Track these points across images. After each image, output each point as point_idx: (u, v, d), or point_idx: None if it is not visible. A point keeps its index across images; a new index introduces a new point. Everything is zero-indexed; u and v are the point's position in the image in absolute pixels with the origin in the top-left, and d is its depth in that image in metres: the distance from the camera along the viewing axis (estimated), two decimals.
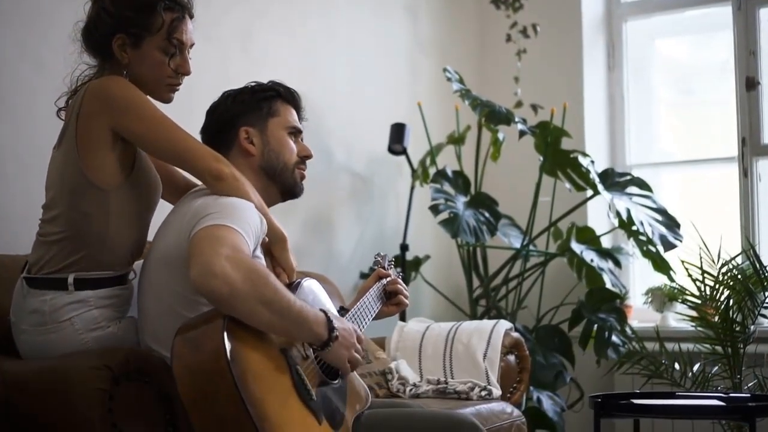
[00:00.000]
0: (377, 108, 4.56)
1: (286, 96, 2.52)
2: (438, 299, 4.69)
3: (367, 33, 4.57)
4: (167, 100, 2.46)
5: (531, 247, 4.42)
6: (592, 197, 4.31)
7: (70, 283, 2.30)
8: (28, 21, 3.10)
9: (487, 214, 4.21)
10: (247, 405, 1.91)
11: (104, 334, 2.32)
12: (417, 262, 4.51)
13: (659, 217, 4.15)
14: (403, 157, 4.42)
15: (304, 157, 2.52)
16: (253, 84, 2.53)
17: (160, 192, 2.50)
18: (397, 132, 4.30)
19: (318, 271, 3.85)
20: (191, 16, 2.46)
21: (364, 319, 2.50)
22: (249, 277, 2.00)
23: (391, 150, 4.34)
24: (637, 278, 4.85)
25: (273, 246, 2.40)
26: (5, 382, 2.29)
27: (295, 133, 2.52)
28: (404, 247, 4.28)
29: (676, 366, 3.91)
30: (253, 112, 2.47)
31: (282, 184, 2.48)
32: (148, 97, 2.40)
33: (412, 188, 4.42)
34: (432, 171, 4.41)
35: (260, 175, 2.44)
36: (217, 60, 3.72)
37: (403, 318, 4.10)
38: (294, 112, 2.53)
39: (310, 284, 2.37)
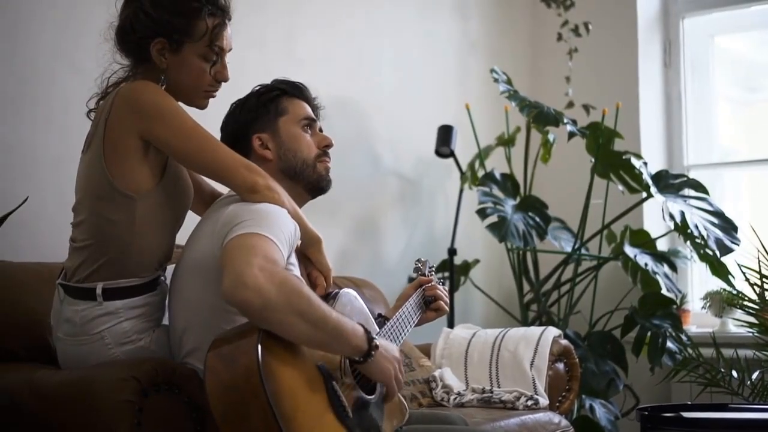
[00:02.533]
0: (425, 109, 4.49)
1: (292, 91, 2.46)
2: (488, 304, 4.61)
3: (414, 33, 4.50)
4: (203, 107, 2.41)
5: (583, 251, 4.31)
6: (645, 199, 4.18)
7: (99, 293, 2.25)
8: (63, 24, 3.09)
9: (536, 218, 4.11)
10: (279, 422, 1.86)
11: (134, 348, 2.27)
12: (466, 267, 4.42)
13: (715, 220, 4.01)
14: (452, 159, 4.33)
15: (324, 147, 2.44)
16: (257, 88, 2.47)
17: (192, 196, 2.45)
18: (444, 134, 4.22)
19: (364, 277, 3.80)
20: (229, 19, 2.39)
21: (404, 329, 2.44)
22: (282, 289, 1.94)
23: (438, 152, 4.26)
24: (696, 282, 4.73)
25: (308, 249, 2.35)
26: (34, 392, 2.26)
27: (310, 124, 2.45)
28: (452, 252, 4.19)
29: (734, 374, 3.78)
30: (261, 116, 2.41)
31: (306, 181, 2.41)
32: (182, 104, 2.35)
33: (461, 191, 4.33)
34: (481, 174, 4.32)
35: (282, 177, 2.37)
36: (260, 64, 3.67)
37: (451, 324, 4.02)
38: (304, 105, 2.46)
39: (347, 294, 2.30)
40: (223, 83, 2.39)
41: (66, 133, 3.04)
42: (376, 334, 2.28)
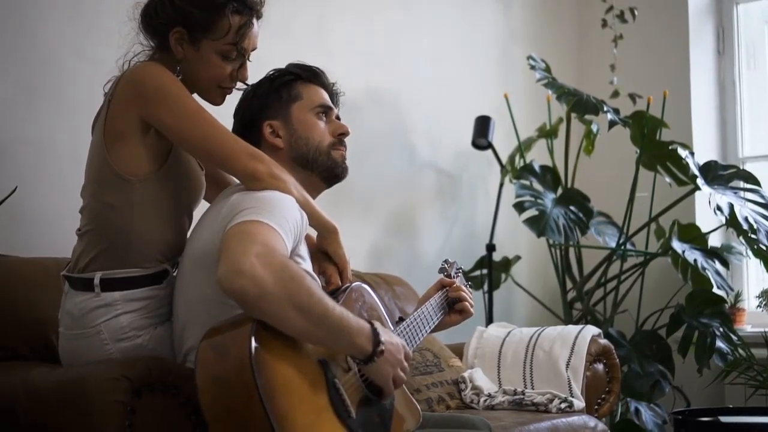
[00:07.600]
0: (465, 101, 4.35)
1: (307, 76, 2.34)
2: (531, 303, 4.44)
3: (453, 21, 4.37)
4: (217, 103, 2.32)
5: (629, 247, 4.12)
6: (692, 192, 3.98)
7: (96, 284, 2.17)
8: (86, 18, 3.00)
9: (578, 212, 3.94)
10: (272, 419, 1.74)
11: (131, 345, 2.17)
12: (506, 264, 4.26)
13: (767, 213, 3.79)
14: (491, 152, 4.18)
15: (340, 135, 2.32)
16: (272, 72, 2.36)
17: (201, 189, 2.35)
18: (481, 126, 4.07)
19: (400, 274, 3.69)
20: (258, 17, 2.30)
21: (420, 331, 2.31)
22: (280, 278, 1.82)
23: (475, 144, 4.11)
24: (753, 279, 4.53)
25: (324, 240, 2.24)
26: (29, 392, 2.18)
27: (325, 111, 2.33)
28: (491, 248, 4.03)
29: None
30: (273, 102, 2.30)
31: (320, 168, 2.29)
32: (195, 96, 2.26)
33: (501, 185, 4.17)
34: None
35: (295, 166, 2.26)
36: (289, 54, 3.51)
37: (489, 323, 3.88)
38: (320, 91, 2.34)
39: (359, 289, 2.18)
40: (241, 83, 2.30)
41: (89, 127, 2.96)
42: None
